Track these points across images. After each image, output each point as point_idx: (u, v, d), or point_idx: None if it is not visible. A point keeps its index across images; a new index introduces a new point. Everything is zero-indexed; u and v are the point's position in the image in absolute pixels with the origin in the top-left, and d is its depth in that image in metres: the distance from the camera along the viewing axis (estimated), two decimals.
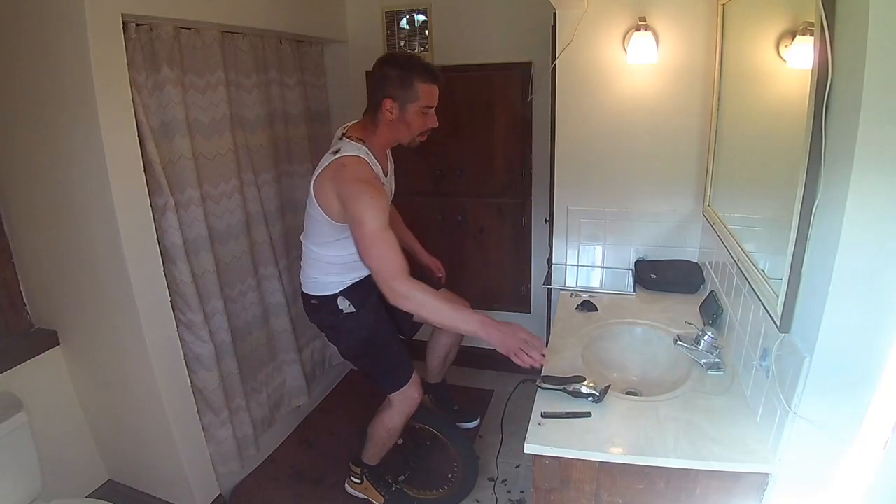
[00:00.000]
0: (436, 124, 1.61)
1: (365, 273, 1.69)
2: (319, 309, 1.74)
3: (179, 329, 1.82)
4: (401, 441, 2.02)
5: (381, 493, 1.97)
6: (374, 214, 1.43)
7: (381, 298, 1.61)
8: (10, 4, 1.47)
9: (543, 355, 1.37)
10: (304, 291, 1.76)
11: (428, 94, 1.53)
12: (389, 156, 1.74)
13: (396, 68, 1.51)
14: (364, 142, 1.57)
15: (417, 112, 1.54)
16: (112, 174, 1.52)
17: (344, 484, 2.07)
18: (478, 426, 2.38)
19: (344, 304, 1.70)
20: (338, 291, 1.70)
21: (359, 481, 2.00)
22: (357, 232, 1.47)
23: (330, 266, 1.68)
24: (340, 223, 1.55)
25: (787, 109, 1.13)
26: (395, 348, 1.77)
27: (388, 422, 1.82)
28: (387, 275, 1.45)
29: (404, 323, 1.87)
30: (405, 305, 1.46)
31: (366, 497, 2.01)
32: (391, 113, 1.53)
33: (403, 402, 1.78)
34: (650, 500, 1.17)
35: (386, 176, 1.66)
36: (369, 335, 1.74)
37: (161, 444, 1.84)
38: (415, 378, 1.78)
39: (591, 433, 1.19)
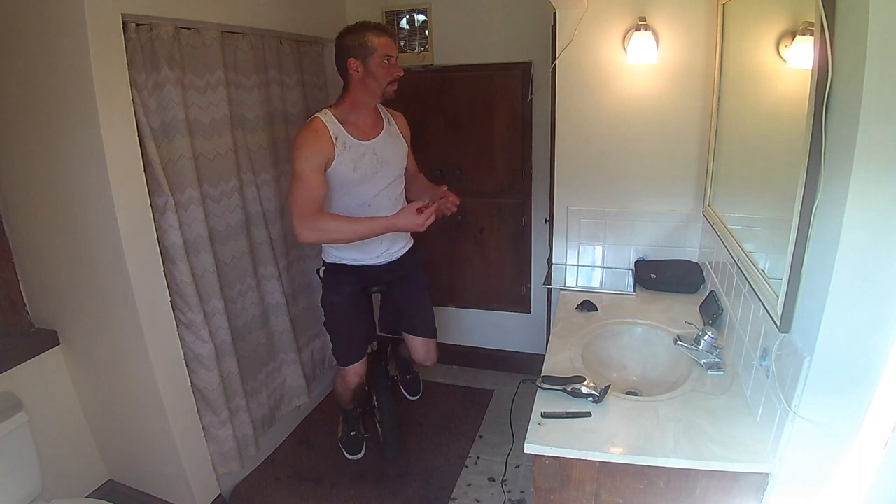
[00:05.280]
0: (400, 72, 1.74)
1: (355, 259, 1.89)
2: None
3: (179, 329, 1.82)
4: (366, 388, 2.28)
5: (341, 431, 2.30)
6: (300, 162, 1.65)
7: (362, 294, 1.98)
8: (9, 4, 1.47)
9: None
10: None
11: (382, 44, 1.67)
12: (385, 115, 1.88)
13: (350, 34, 1.69)
14: (330, 108, 1.76)
15: (379, 63, 1.68)
16: (112, 174, 1.52)
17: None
18: (417, 402, 2.55)
19: (321, 275, 1.95)
20: (327, 261, 1.93)
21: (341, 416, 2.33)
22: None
23: None
24: None
25: (787, 109, 1.13)
26: (344, 338, 1.98)
27: (335, 384, 2.18)
28: (296, 212, 1.65)
29: (390, 326, 2.18)
30: (315, 237, 1.67)
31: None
32: (357, 72, 1.69)
33: (340, 376, 2.07)
34: (650, 500, 1.17)
35: (372, 139, 1.79)
36: (329, 311, 1.97)
37: (161, 444, 1.84)
38: (356, 368, 2.00)
39: (591, 433, 1.19)
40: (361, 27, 1.69)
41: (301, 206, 1.64)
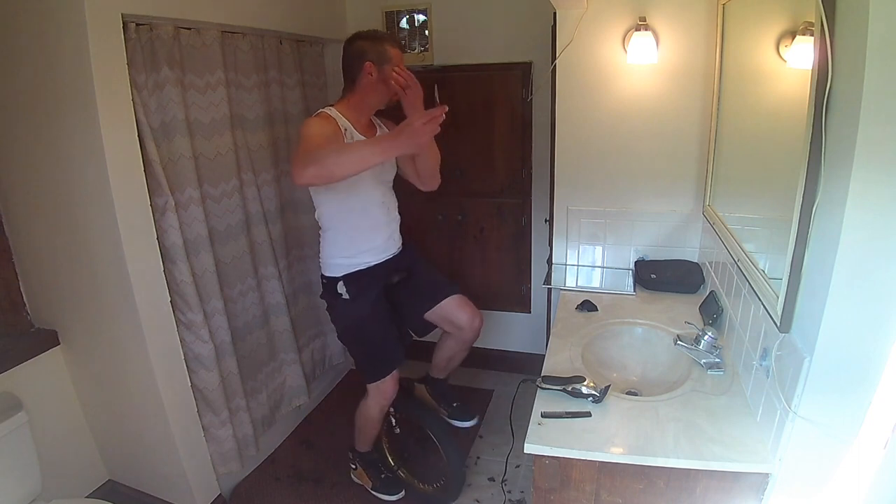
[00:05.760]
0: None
1: (370, 260, 1.83)
2: (325, 288, 1.87)
3: (179, 329, 1.82)
4: (398, 431, 2.10)
5: (370, 478, 2.08)
6: (305, 129, 1.61)
7: (385, 295, 1.85)
8: (9, 4, 1.47)
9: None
10: (320, 271, 1.90)
11: (397, 55, 1.75)
12: (378, 122, 1.87)
13: (369, 39, 1.74)
14: (333, 106, 1.76)
15: (391, 71, 1.73)
16: (112, 174, 1.53)
17: (345, 481, 2.12)
18: (476, 425, 2.33)
19: (342, 290, 1.81)
20: (340, 275, 1.82)
21: (354, 467, 2.12)
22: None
23: (335, 243, 1.82)
24: None
25: (787, 109, 1.13)
26: (382, 343, 1.86)
27: (365, 410, 1.93)
28: (296, 156, 1.50)
29: (413, 323, 1.97)
30: (311, 172, 1.42)
31: (361, 483, 2.11)
32: (371, 75, 1.72)
33: (377, 394, 1.87)
34: (650, 500, 1.17)
35: (372, 137, 1.79)
36: (357, 324, 1.84)
37: (161, 444, 1.84)
38: (394, 375, 1.86)
39: (591, 433, 1.19)
40: (377, 35, 1.76)
41: (298, 153, 1.50)
